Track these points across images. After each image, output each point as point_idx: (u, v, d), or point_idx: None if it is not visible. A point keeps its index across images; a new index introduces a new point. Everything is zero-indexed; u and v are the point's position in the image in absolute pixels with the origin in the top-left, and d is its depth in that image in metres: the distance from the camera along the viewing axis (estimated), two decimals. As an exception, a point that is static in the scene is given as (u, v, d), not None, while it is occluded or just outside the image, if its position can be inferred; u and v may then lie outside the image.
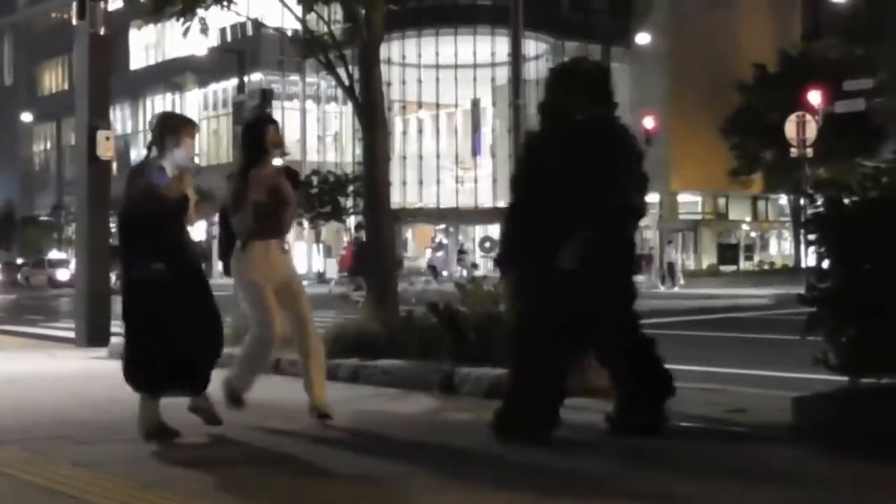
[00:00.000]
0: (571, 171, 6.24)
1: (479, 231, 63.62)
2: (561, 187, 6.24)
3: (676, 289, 40.03)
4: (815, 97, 34.52)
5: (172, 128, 7.02)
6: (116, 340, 8.68)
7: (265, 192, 7.16)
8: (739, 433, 6.60)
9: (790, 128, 30.38)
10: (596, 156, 6.25)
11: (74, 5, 14.87)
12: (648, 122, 43.09)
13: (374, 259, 11.56)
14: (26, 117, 77.22)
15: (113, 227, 10.81)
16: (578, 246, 6.11)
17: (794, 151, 30.37)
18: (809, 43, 56.24)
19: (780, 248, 67.89)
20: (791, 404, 6.55)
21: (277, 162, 7.44)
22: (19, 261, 68.61)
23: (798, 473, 5.49)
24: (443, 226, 66.13)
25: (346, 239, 58.29)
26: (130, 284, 6.74)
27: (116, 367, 8.74)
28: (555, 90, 6.58)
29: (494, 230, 59.81)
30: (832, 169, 39.10)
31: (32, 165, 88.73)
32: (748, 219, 66.47)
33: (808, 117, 30.53)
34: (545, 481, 5.33)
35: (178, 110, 70.74)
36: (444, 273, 49.51)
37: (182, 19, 12.01)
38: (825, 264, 6.73)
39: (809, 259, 7.44)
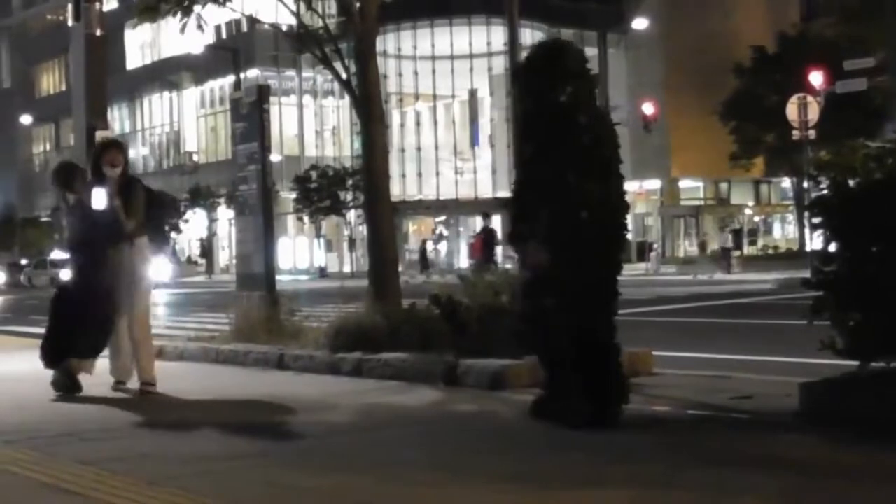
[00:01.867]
0: (582, 157, 6.32)
1: (479, 222, 63.55)
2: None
3: (730, 275, 38.90)
4: (816, 78, 34.33)
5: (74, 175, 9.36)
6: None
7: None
8: (746, 420, 6.56)
9: (791, 110, 30.24)
10: (606, 141, 6.46)
11: (70, 7, 14.85)
12: (647, 109, 43.05)
13: (374, 252, 11.53)
14: (25, 119, 77.25)
15: None
16: None
17: (795, 134, 30.25)
18: (807, 23, 56.08)
19: (783, 231, 67.80)
20: (798, 390, 6.52)
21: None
22: (23, 262, 68.62)
23: (805, 460, 5.46)
24: (443, 217, 66.08)
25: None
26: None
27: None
28: (545, 73, 6.45)
29: (495, 221, 59.80)
30: (834, 150, 38.91)
31: (32, 167, 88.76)
32: (751, 203, 66.38)
33: (810, 98, 30.38)
34: (548, 472, 5.30)
35: (175, 108, 70.80)
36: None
37: (179, 16, 11.97)
38: (830, 247, 6.68)
39: (814, 242, 7.38)
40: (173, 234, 55.01)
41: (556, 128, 6.42)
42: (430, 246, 67.78)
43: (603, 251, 6.43)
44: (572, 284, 6.31)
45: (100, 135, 14.21)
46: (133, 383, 9.02)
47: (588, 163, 6.36)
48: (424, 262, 47.84)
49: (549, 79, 6.48)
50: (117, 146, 9.46)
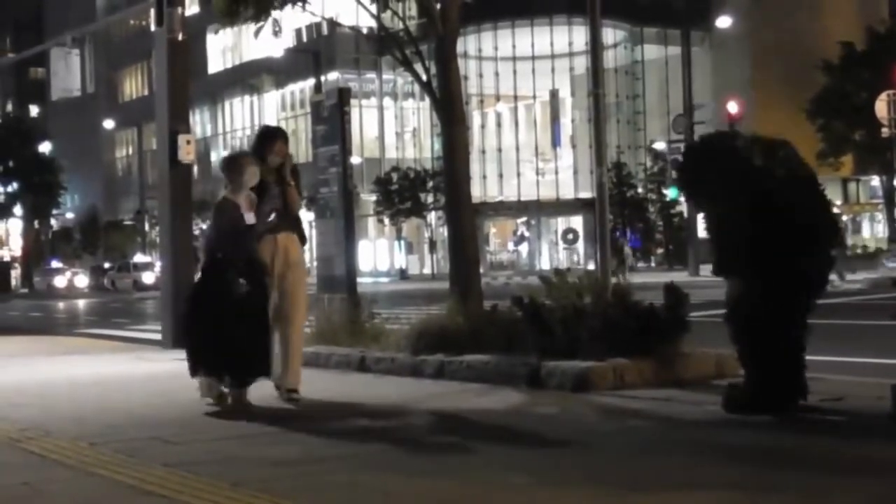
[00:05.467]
0: None
1: (560, 223, 63.38)
2: None
3: None
4: (906, 74, 33.65)
5: (236, 167, 8.39)
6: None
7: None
8: (837, 422, 6.44)
9: (881, 107, 29.70)
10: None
11: (152, 12, 15.00)
12: (732, 107, 42.47)
13: (456, 253, 11.49)
14: (108, 124, 78.45)
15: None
16: None
17: (885, 131, 29.72)
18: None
19: (873, 230, 66.66)
20: (891, 391, 6.36)
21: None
22: (106, 265, 69.74)
23: (900, 463, 5.32)
24: (524, 219, 65.99)
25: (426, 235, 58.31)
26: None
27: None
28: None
29: (576, 222, 59.61)
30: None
31: (115, 171, 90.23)
32: (839, 202, 65.37)
33: (900, 95, 29.82)
34: (635, 475, 5.22)
35: (255, 112, 71.48)
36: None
37: (255, 21, 12.03)
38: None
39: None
40: None
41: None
42: (511, 246, 67.70)
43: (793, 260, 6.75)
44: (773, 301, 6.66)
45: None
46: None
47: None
48: (621, 260, 42.73)
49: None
50: (283, 136, 8.94)
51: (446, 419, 7.27)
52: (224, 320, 7.99)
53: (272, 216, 8.45)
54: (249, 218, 8.20)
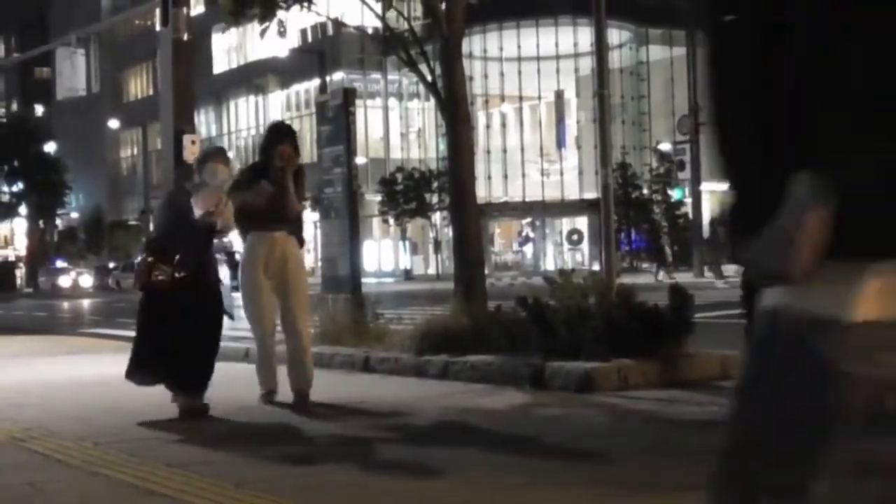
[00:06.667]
0: None
1: (565, 224, 63.37)
2: None
3: None
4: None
5: (203, 158, 8.44)
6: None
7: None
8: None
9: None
10: None
11: (157, 12, 15.02)
12: (735, 108, 42.35)
13: (460, 254, 11.49)
14: (113, 123, 78.35)
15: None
16: None
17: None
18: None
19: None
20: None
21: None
22: (111, 265, 69.76)
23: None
24: (529, 219, 65.96)
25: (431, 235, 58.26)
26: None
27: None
28: None
29: (581, 223, 59.60)
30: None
31: (120, 170, 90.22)
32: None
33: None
34: (637, 476, 5.21)
35: (260, 112, 71.51)
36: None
37: (262, 22, 12.04)
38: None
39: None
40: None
41: None
42: (515, 247, 67.72)
43: None
44: None
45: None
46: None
47: None
48: (662, 260, 41.31)
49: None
50: (291, 137, 8.60)
51: (449, 419, 7.26)
52: (172, 325, 7.84)
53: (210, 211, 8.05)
54: (196, 213, 7.95)
